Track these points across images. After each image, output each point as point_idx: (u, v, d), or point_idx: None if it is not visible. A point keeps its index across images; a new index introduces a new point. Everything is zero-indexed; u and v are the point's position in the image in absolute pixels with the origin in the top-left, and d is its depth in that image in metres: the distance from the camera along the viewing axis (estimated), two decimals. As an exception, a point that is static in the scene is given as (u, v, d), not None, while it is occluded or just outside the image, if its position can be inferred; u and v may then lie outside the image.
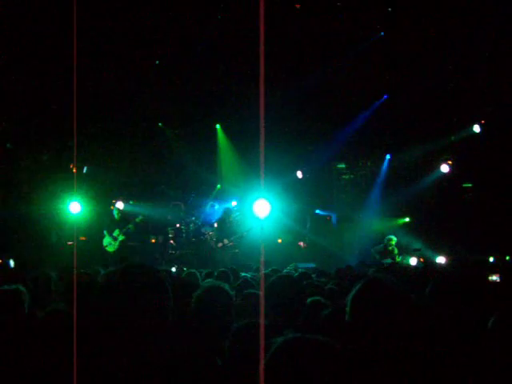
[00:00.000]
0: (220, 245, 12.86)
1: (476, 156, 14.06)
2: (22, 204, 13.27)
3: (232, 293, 3.54)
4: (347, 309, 2.53)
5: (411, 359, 2.43)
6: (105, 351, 2.29)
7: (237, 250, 13.02)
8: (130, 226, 12.88)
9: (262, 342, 1.71)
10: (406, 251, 12.73)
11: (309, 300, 4.03)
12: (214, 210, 14.06)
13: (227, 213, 13.25)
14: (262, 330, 1.78)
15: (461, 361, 2.65)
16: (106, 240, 12.87)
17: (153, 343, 2.27)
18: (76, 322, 2.46)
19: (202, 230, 13.77)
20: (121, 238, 12.86)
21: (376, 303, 2.51)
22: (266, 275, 5.20)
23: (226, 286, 3.56)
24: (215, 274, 6.55)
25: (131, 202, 14.06)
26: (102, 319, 2.35)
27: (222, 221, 13.18)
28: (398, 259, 12.45)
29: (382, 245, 12.82)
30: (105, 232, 12.92)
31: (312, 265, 12.83)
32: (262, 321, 2.65)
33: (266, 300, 3.49)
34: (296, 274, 6.61)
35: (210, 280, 5.70)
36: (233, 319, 3.26)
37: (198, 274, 6.37)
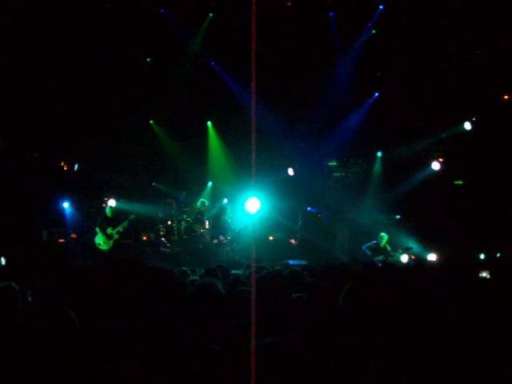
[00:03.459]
0: (215, 241, 12.87)
1: (467, 153, 14.10)
2: (13, 202, 13.18)
3: (223, 290, 3.53)
4: (340, 304, 2.57)
5: (398, 351, 2.46)
6: (99, 344, 2.29)
7: (228, 248, 13.01)
8: (125, 223, 12.77)
9: (253, 341, 1.72)
10: (397, 249, 12.74)
11: (293, 296, 4.05)
12: (206, 207, 14.03)
13: (222, 210, 13.24)
14: (252, 327, 1.78)
15: (449, 354, 2.67)
16: (99, 238, 12.75)
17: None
18: (72, 319, 2.45)
19: (194, 228, 13.74)
20: (116, 236, 12.75)
21: (365, 299, 2.56)
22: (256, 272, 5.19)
23: (219, 284, 3.55)
24: (202, 272, 6.52)
25: (123, 200, 13.97)
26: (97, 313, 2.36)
27: (217, 217, 13.17)
28: (392, 256, 12.42)
29: (374, 242, 12.84)
30: (97, 230, 12.80)
31: (303, 262, 12.85)
32: (253, 318, 2.65)
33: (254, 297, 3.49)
34: (286, 272, 6.61)
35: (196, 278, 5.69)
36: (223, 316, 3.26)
37: (190, 271, 6.35)
